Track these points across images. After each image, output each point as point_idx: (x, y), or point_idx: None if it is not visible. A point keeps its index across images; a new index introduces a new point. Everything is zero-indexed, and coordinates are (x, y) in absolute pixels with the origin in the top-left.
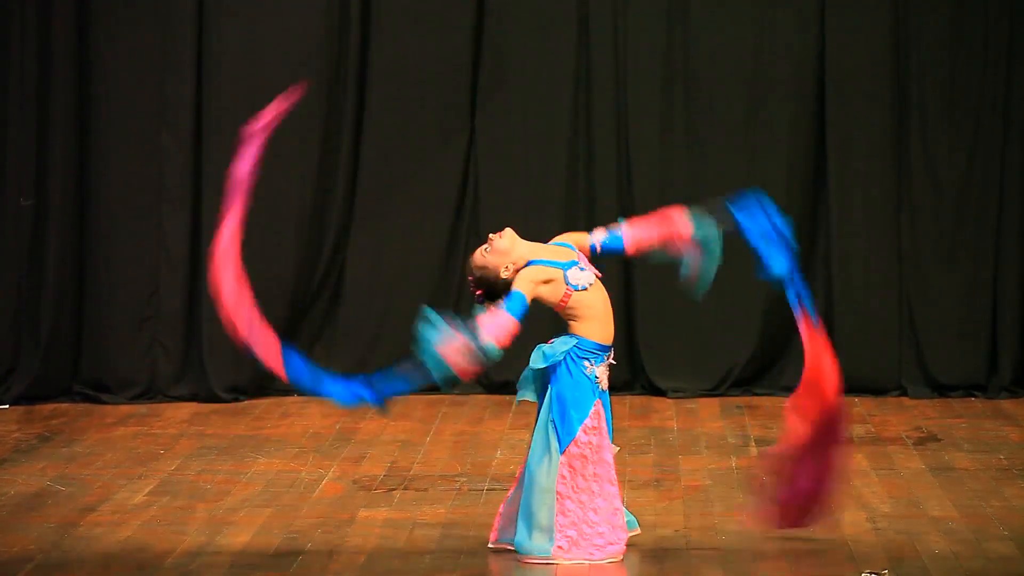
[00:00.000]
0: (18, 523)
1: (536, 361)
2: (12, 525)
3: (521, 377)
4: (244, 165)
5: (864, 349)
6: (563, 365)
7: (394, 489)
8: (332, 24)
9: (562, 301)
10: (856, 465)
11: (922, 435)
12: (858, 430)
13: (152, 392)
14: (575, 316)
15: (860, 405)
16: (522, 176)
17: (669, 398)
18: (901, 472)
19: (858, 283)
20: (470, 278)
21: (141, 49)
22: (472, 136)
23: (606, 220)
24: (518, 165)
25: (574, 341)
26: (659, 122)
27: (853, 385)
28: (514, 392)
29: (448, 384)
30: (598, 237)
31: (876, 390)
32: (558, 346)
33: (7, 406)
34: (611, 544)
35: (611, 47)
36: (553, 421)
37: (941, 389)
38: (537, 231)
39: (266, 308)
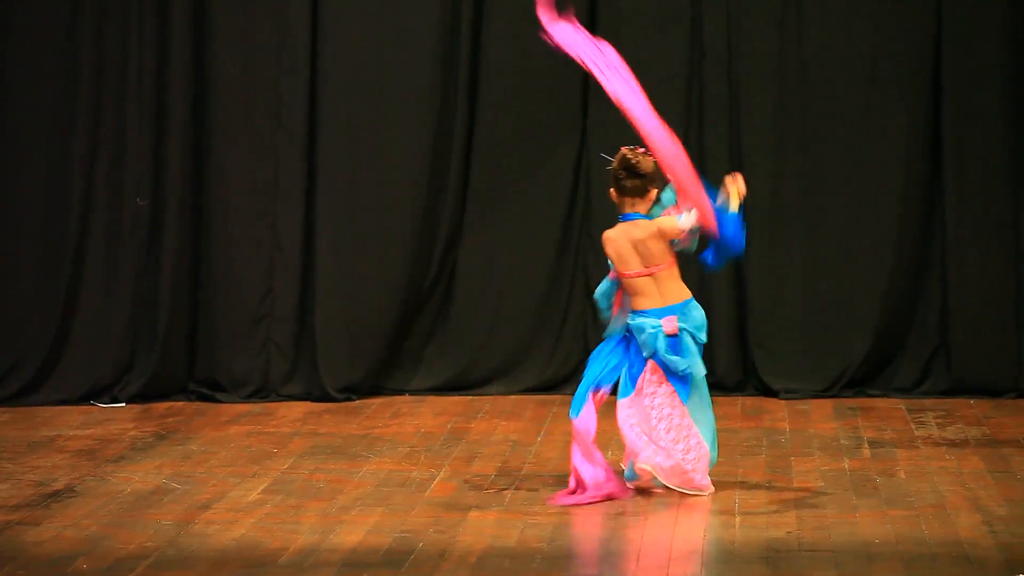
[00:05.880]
0: (135, 520)
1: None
2: (129, 522)
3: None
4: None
5: (980, 349)
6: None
7: (505, 489)
8: (445, 24)
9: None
10: (972, 467)
11: None
12: (974, 432)
13: (265, 391)
14: (673, 273)
15: (976, 407)
16: None
17: (781, 399)
18: (1018, 475)
19: (974, 282)
20: (617, 167)
21: (256, 50)
22: (584, 136)
23: None
24: None
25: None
26: (772, 123)
27: (969, 386)
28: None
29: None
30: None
31: (992, 391)
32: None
33: (124, 404)
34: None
35: (724, 47)
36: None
37: None
38: None
39: (379, 307)
